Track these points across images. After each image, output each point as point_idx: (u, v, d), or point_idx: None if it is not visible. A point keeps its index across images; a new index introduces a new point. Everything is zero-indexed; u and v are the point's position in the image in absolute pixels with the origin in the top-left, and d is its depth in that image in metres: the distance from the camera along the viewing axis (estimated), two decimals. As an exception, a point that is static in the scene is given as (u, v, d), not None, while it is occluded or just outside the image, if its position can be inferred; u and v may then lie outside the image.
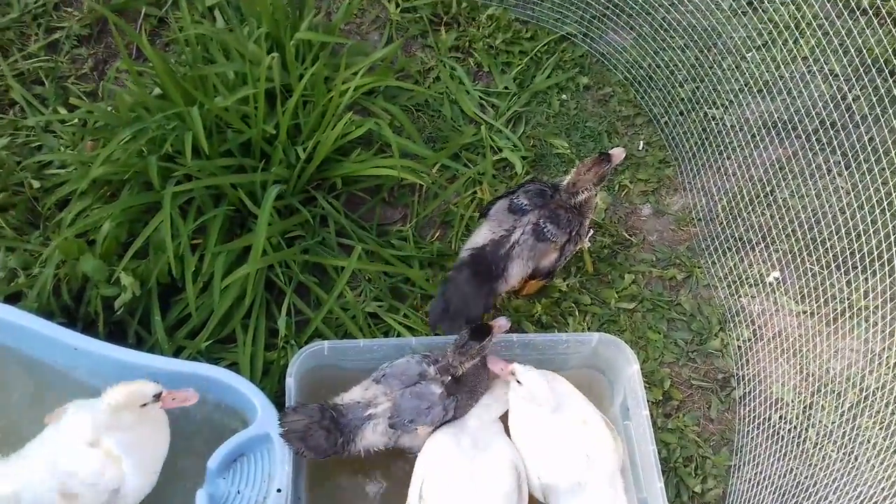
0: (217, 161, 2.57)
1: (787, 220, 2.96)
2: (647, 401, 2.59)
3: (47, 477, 2.04)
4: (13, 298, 2.50)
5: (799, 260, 2.88)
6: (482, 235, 2.61)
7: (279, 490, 2.15)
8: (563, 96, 3.43)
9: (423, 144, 3.01)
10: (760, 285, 2.93)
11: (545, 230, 2.58)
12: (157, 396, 2.09)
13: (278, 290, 2.70)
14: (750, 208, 3.06)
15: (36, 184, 2.75)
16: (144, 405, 2.07)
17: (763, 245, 2.98)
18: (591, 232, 3.06)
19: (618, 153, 2.68)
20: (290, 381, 2.32)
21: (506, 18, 3.47)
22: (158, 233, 2.48)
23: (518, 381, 2.29)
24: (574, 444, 2.30)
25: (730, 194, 3.13)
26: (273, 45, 2.82)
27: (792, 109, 3.23)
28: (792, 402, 2.71)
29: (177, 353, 2.52)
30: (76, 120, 2.92)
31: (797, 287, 2.88)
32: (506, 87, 3.39)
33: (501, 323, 2.33)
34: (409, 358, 2.37)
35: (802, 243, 2.89)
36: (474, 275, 2.49)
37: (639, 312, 2.92)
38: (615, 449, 2.34)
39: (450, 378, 2.33)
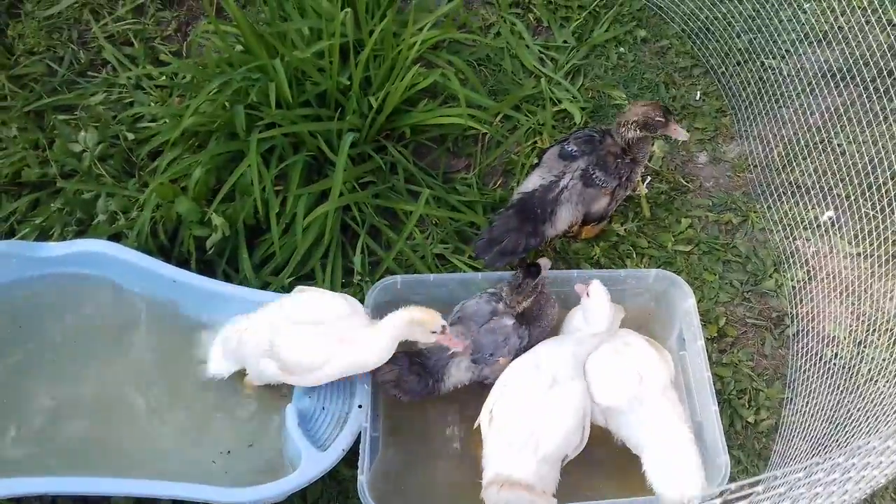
0: (297, 111, 2.76)
1: (843, 165, 3.03)
2: (703, 335, 2.72)
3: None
4: (114, 239, 2.73)
5: (854, 204, 2.96)
6: (532, 181, 2.78)
7: (360, 406, 2.36)
8: (621, 49, 3.53)
9: (485, 95, 3.15)
10: (815, 228, 3.01)
11: (594, 176, 2.73)
12: (442, 329, 2.34)
13: (352, 232, 2.89)
14: (805, 154, 3.13)
15: (130, 136, 2.98)
16: (433, 332, 2.32)
17: (818, 189, 3.05)
18: (649, 179, 3.18)
19: (677, 130, 2.76)
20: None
21: (564, -26, 3.57)
22: (245, 178, 2.69)
23: (587, 294, 2.45)
24: (625, 364, 2.43)
25: (785, 141, 3.20)
26: (344, 3, 2.99)
27: (851, 60, 3.26)
28: (845, 339, 2.80)
29: (262, 289, 2.72)
30: (164, 77, 3.14)
31: (852, 230, 2.96)
32: (564, 41, 3.50)
33: (543, 262, 2.49)
34: (478, 299, 2.54)
35: (857, 188, 2.96)
36: (519, 214, 2.69)
37: (695, 255, 3.03)
38: (661, 365, 2.45)
39: (513, 310, 2.50)
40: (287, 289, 2.70)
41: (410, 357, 2.45)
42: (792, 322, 2.90)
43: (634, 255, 3.01)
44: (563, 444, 2.27)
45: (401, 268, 2.84)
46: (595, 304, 2.45)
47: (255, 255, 2.80)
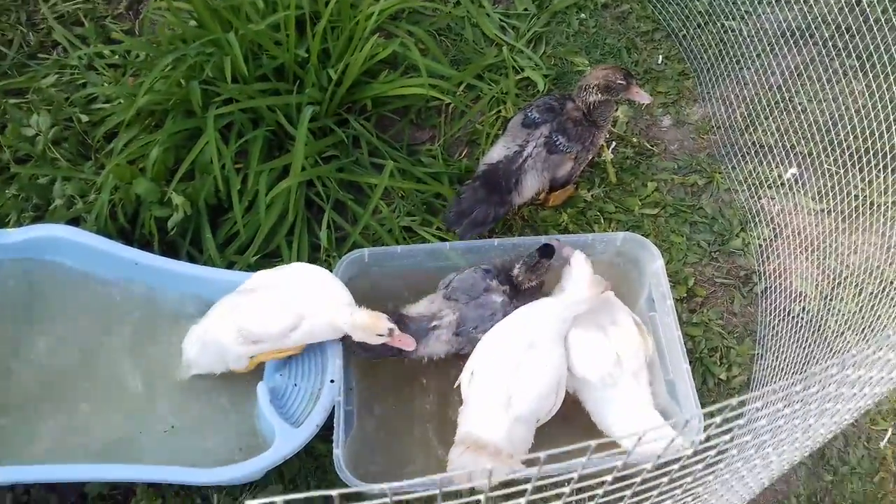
0: (254, 85, 2.71)
1: (804, 123, 3.05)
2: (672, 295, 2.73)
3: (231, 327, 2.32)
4: (73, 223, 2.67)
5: (817, 161, 2.98)
6: (497, 151, 2.78)
7: (332, 381, 2.33)
8: (582, 15, 3.51)
9: (447, 65, 3.11)
10: (779, 187, 3.03)
11: (557, 143, 2.73)
12: (389, 332, 2.27)
13: (318, 208, 2.85)
14: (768, 114, 3.14)
15: (84, 118, 2.90)
16: (379, 335, 2.26)
17: (781, 148, 3.07)
18: (614, 144, 3.17)
19: (639, 93, 2.76)
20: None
21: (522, -60, 3.53)
22: (203, 155, 2.64)
23: (569, 264, 2.44)
24: (605, 342, 2.43)
25: (748, 102, 3.21)
26: (299, -26, 2.93)
27: (809, 17, 3.28)
28: (812, 294, 2.83)
29: (228, 268, 2.68)
30: (116, 56, 3.06)
31: (815, 186, 2.98)
32: (525, 9, 3.47)
33: (557, 245, 2.49)
34: (474, 272, 2.51)
35: (820, 145, 2.98)
36: (485, 186, 2.71)
37: (662, 217, 3.04)
38: (641, 347, 2.47)
39: (509, 287, 2.49)
40: (253, 267, 2.65)
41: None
42: (760, 280, 2.92)
43: (602, 221, 3.01)
44: (537, 406, 2.27)
45: (368, 242, 2.81)
46: (575, 273, 2.44)
47: (220, 235, 2.75)
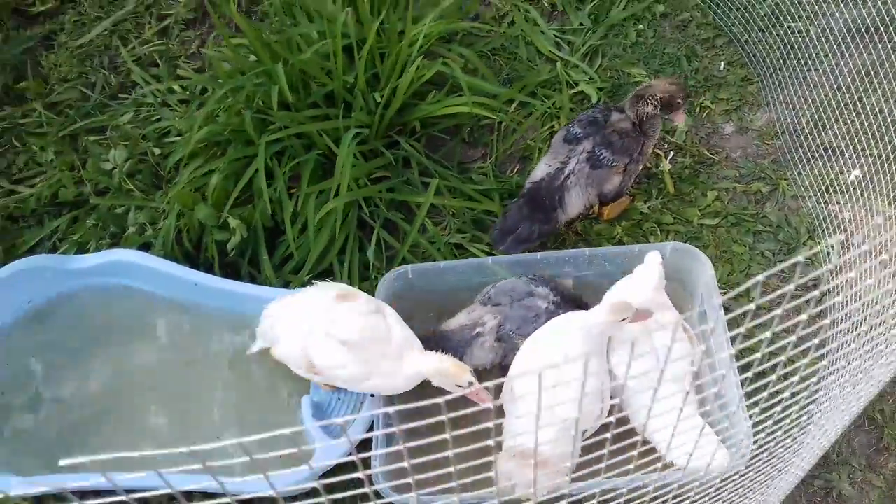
0: (305, 112, 2.82)
1: (876, 124, 2.88)
2: (734, 308, 2.62)
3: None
4: (143, 248, 2.85)
5: (886, 162, 2.80)
6: (541, 169, 2.79)
7: (373, 395, 2.38)
8: (640, 26, 3.46)
9: (496, 83, 3.13)
10: (849, 192, 2.87)
11: (601, 157, 2.70)
12: (470, 385, 2.24)
13: (370, 227, 2.93)
14: (837, 116, 2.99)
15: (157, 150, 3.11)
16: (459, 386, 2.23)
17: (852, 151, 2.91)
18: (672, 154, 3.10)
19: (681, 114, 2.80)
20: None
21: (577, -45, 3.53)
22: (258, 179, 2.77)
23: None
24: (647, 346, 2.37)
25: (815, 105, 3.07)
26: (349, 3, 3.04)
27: (884, 12, 3.10)
28: (887, 305, 2.65)
29: (284, 288, 2.79)
30: (187, 92, 3.26)
31: (887, 189, 2.80)
32: (581, 24, 3.46)
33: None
34: (517, 279, 2.53)
35: (890, 146, 2.81)
36: (529, 203, 2.73)
37: (723, 227, 2.93)
38: (687, 354, 2.38)
39: (559, 297, 2.48)
40: (306, 286, 2.74)
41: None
42: (829, 290, 2.76)
43: (659, 232, 2.94)
44: (581, 416, 2.23)
45: (417, 259, 2.85)
46: (644, 273, 2.40)
47: (276, 256, 2.86)
